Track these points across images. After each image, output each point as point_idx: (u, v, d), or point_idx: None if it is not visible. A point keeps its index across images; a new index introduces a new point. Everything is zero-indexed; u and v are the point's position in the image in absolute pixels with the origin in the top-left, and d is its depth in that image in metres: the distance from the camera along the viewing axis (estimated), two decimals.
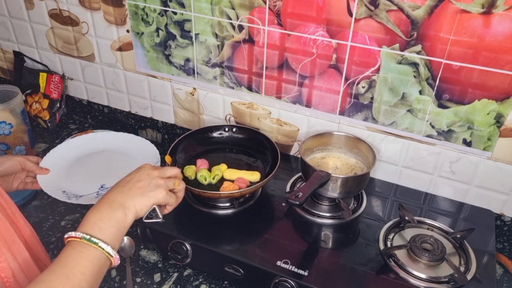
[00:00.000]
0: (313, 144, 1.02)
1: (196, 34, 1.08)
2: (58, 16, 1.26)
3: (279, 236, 0.88)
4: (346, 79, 0.97)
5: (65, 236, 0.63)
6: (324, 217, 0.94)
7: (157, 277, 0.91)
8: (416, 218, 0.93)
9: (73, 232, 0.63)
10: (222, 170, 0.98)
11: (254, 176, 0.96)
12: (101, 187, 0.98)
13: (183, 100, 1.22)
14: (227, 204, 0.95)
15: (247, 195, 0.97)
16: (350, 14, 0.89)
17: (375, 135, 1.02)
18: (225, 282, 0.89)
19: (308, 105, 1.05)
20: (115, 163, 1.06)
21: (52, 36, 1.31)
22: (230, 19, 1.01)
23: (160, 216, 0.74)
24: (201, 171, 0.97)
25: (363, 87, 0.96)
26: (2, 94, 1.17)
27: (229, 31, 1.03)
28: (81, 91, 1.39)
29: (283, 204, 0.97)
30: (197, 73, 1.15)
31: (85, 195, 0.95)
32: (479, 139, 0.91)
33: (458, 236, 0.86)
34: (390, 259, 0.83)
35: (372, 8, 0.86)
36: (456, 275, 0.78)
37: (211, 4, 1.01)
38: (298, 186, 1.03)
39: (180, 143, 1.04)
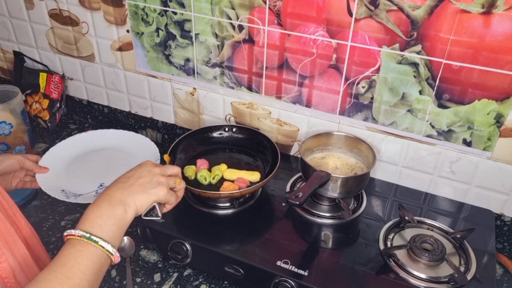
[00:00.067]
0: (313, 144, 1.02)
1: (196, 34, 1.08)
2: (58, 16, 1.26)
3: (279, 236, 0.88)
4: (346, 79, 0.97)
5: (65, 233, 0.63)
6: (324, 217, 0.94)
7: (157, 277, 0.91)
8: (416, 218, 0.93)
9: (72, 230, 0.62)
10: (222, 170, 0.98)
11: (254, 176, 0.96)
12: (100, 185, 0.98)
13: (183, 100, 1.22)
14: (227, 204, 0.95)
15: (247, 195, 0.97)
16: (350, 14, 0.89)
17: (375, 135, 1.02)
18: (225, 282, 0.89)
19: (308, 105, 1.05)
20: (114, 161, 1.06)
21: (52, 36, 1.31)
22: (230, 19, 1.01)
23: (160, 215, 0.73)
24: (201, 171, 0.97)
25: (363, 87, 0.96)
26: (2, 94, 1.17)
27: (229, 31, 1.03)
28: (81, 91, 1.39)
29: (283, 204, 0.97)
30: (197, 73, 1.15)
31: (84, 194, 0.95)
32: (479, 139, 0.91)
33: (458, 236, 0.86)
34: (390, 259, 0.83)
35: (372, 8, 0.86)
36: (456, 275, 0.78)
37: (211, 4, 1.01)
38: (298, 186, 1.03)
39: (180, 143, 1.04)
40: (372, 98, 0.97)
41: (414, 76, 0.90)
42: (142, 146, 1.08)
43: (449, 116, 0.91)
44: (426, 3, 0.82)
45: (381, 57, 0.91)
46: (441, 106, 0.91)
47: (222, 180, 0.97)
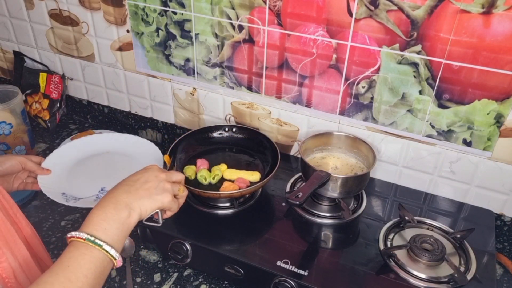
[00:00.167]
0: (313, 144, 1.02)
1: (196, 34, 1.08)
2: (58, 16, 1.26)
3: (279, 236, 0.88)
4: (346, 79, 0.97)
5: (68, 235, 0.62)
6: (324, 217, 0.94)
7: (157, 277, 0.91)
8: (416, 218, 0.93)
9: (77, 232, 0.61)
10: (222, 170, 0.98)
11: (254, 176, 0.96)
12: (101, 189, 0.97)
13: (183, 100, 1.22)
14: (227, 204, 0.95)
15: (247, 195, 0.97)
16: (350, 14, 0.89)
17: (375, 135, 1.02)
18: (225, 282, 0.89)
19: (308, 105, 1.05)
20: (117, 166, 1.05)
21: (52, 36, 1.31)
22: (230, 19, 1.01)
23: (161, 221, 0.73)
24: (201, 171, 0.97)
25: (363, 87, 0.96)
26: (2, 94, 1.17)
27: (229, 31, 1.03)
28: (81, 91, 1.39)
29: (283, 204, 0.97)
30: (197, 73, 1.15)
31: (84, 198, 0.94)
32: (479, 139, 0.91)
33: (458, 236, 0.86)
34: (390, 259, 0.83)
35: (372, 8, 0.86)
36: (456, 275, 0.78)
37: (211, 4, 1.01)
38: (298, 186, 1.03)
39: (180, 143, 1.04)
40: (372, 98, 0.97)
41: (414, 76, 0.90)
42: (146, 152, 1.06)
43: (449, 116, 0.91)
44: (426, 3, 0.82)
45: (381, 57, 0.91)
46: (441, 106, 0.91)
47: (222, 180, 0.97)
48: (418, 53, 0.87)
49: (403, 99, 0.94)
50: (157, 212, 0.71)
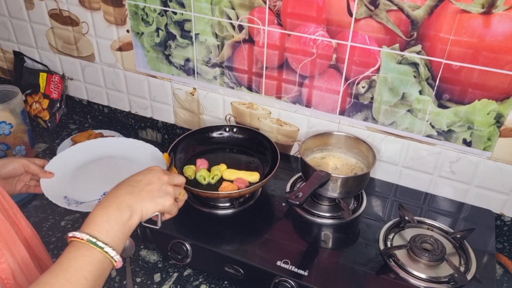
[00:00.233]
0: (313, 144, 1.02)
1: (196, 34, 1.08)
2: (58, 16, 1.26)
3: (279, 236, 0.88)
4: (346, 79, 0.97)
5: (69, 234, 0.61)
6: (324, 217, 0.94)
7: (157, 277, 0.91)
8: (416, 218, 0.93)
9: (78, 233, 0.61)
10: (222, 170, 0.98)
11: (253, 176, 0.96)
12: (104, 194, 0.96)
13: (183, 100, 1.22)
14: (227, 204, 0.95)
15: (247, 195, 0.97)
16: (350, 14, 0.89)
17: (375, 135, 1.02)
18: (225, 282, 0.89)
19: (308, 105, 1.05)
20: (120, 170, 1.03)
21: (52, 36, 1.31)
22: (230, 19, 1.01)
23: (159, 224, 0.73)
24: (200, 171, 0.97)
25: (363, 87, 0.96)
26: (2, 94, 1.17)
27: (229, 31, 1.03)
28: (81, 91, 1.39)
29: (283, 204, 0.97)
30: (197, 73, 1.15)
31: (86, 202, 0.93)
32: (479, 139, 0.91)
33: (458, 236, 0.86)
34: (390, 259, 0.83)
35: (372, 8, 0.86)
36: (456, 275, 0.78)
37: (211, 4, 1.01)
38: (298, 186, 1.03)
39: (180, 142, 1.04)
40: (372, 98, 0.97)
41: (414, 76, 0.90)
42: (151, 157, 1.05)
43: (449, 116, 0.91)
44: (426, 3, 0.82)
45: (381, 57, 0.91)
46: (441, 106, 0.91)
47: (222, 180, 0.97)
48: (418, 53, 0.87)
49: (403, 99, 0.94)
50: (157, 215, 0.71)
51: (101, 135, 1.27)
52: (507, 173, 0.93)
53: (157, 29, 1.12)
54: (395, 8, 0.84)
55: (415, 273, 0.80)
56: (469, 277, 0.79)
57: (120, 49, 1.22)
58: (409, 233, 0.89)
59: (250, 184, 0.94)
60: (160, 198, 0.69)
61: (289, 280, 0.79)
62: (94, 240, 0.60)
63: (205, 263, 0.89)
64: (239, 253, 0.84)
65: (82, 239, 0.60)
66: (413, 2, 0.83)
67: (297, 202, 0.79)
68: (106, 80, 1.31)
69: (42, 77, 1.34)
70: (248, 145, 1.08)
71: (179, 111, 1.25)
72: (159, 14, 1.09)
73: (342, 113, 1.02)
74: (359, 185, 0.93)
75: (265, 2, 0.96)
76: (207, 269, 0.91)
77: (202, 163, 1.00)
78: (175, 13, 1.07)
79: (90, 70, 1.32)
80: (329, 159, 1.02)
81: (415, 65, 0.89)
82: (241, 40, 1.03)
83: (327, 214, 0.94)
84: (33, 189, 0.94)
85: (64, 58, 1.34)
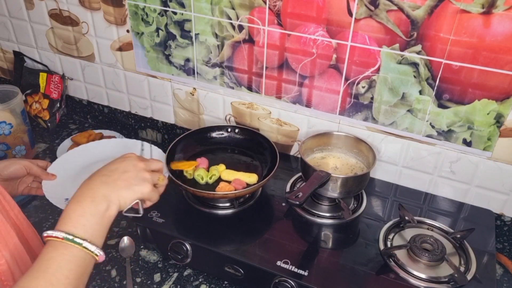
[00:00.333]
0: (313, 144, 1.02)
1: (196, 34, 1.08)
2: (58, 16, 1.26)
3: (279, 236, 0.88)
4: (346, 79, 0.97)
5: (44, 234, 0.59)
6: (324, 217, 0.94)
7: (157, 277, 0.91)
8: (416, 218, 0.93)
9: (53, 232, 0.59)
10: (220, 170, 0.98)
11: (252, 178, 0.96)
12: None
13: (183, 100, 1.22)
14: (227, 204, 0.95)
15: (247, 195, 0.97)
16: (350, 14, 0.89)
17: (375, 135, 1.02)
18: (225, 282, 0.89)
19: (308, 105, 1.05)
20: None
21: (52, 36, 1.31)
22: (230, 19, 1.01)
23: (141, 212, 0.70)
24: (198, 170, 0.97)
25: (363, 87, 0.96)
26: (2, 94, 1.17)
27: (229, 31, 1.03)
28: (81, 91, 1.39)
29: (283, 204, 0.97)
30: (197, 73, 1.15)
31: None
32: (479, 139, 0.91)
33: (458, 236, 0.86)
34: (390, 259, 0.83)
35: (372, 8, 0.86)
36: (456, 275, 0.78)
37: (211, 4, 1.01)
38: (298, 186, 1.03)
39: (179, 142, 1.04)
40: (372, 98, 0.97)
41: (414, 76, 0.90)
42: (154, 158, 1.04)
43: (449, 116, 0.91)
44: (426, 3, 0.82)
45: (381, 57, 0.91)
46: (441, 106, 0.91)
47: (220, 180, 0.97)
48: (418, 53, 0.87)
49: (403, 99, 0.94)
50: (137, 203, 0.69)
51: (101, 135, 1.27)
52: (507, 173, 0.93)
53: (157, 29, 1.12)
54: (395, 8, 0.84)
55: (415, 273, 0.80)
56: (469, 277, 0.79)
57: (120, 49, 1.22)
58: (409, 233, 0.89)
59: (248, 185, 0.94)
60: (137, 185, 0.68)
61: (289, 280, 0.79)
62: (70, 237, 0.58)
63: (205, 263, 0.89)
64: (239, 253, 0.84)
65: (58, 237, 0.58)
66: (413, 2, 0.83)
67: (297, 202, 0.79)
68: (106, 80, 1.31)
69: (42, 77, 1.34)
70: (248, 145, 1.08)
71: (179, 111, 1.25)
72: (159, 14, 1.09)
73: (342, 113, 1.02)
74: (359, 185, 0.93)
75: (265, 2, 0.96)
76: (207, 269, 0.91)
77: (202, 162, 1.00)
78: (175, 13, 1.07)
79: (90, 70, 1.32)
80: (329, 159, 1.02)
81: (415, 65, 0.89)
82: (241, 40, 1.03)
83: (327, 214, 0.94)
84: (35, 191, 0.94)
85: (64, 58, 1.34)
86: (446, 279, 0.79)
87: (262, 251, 0.85)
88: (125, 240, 0.96)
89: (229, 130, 1.10)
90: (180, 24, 1.08)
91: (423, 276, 0.79)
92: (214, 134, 1.10)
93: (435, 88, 0.89)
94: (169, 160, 0.97)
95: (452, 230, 0.90)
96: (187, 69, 1.15)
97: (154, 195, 0.72)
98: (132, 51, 1.20)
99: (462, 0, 0.79)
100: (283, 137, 1.14)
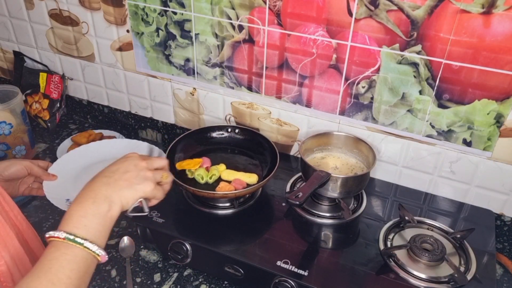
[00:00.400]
0: (313, 144, 1.02)
1: (196, 34, 1.08)
2: (58, 16, 1.26)
3: (279, 236, 0.88)
4: (346, 79, 0.97)
5: (46, 235, 0.59)
6: (324, 217, 0.94)
7: (157, 277, 0.91)
8: (416, 218, 0.93)
9: (55, 232, 0.59)
10: (220, 170, 0.98)
11: (252, 178, 0.96)
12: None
13: (183, 100, 1.22)
14: (227, 204, 0.95)
15: (247, 195, 0.97)
16: (350, 14, 0.89)
17: (375, 135, 1.02)
18: (225, 282, 0.89)
19: (308, 105, 1.05)
20: None
21: (52, 36, 1.31)
22: (230, 19, 1.01)
23: (146, 210, 0.70)
24: (198, 170, 0.97)
25: (363, 87, 0.96)
26: (2, 94, 1.17)
27: (229, 31, 1.03)
28: (81, 91, 1.39)
29: (283, 204, 0.97)
30: (197, 73, 1.15)
31: None
32: (479, 139, 0.91)
33: (458, 236, 0.86)
34: (390, 259, 0.83)
35: (372, 8, 0.86)
36: (456, 275, 0.78)
37: (211, 4, 1.01)
38: (298, 186, 1.03)
39: (179, 142, 1.03)
40: (372, 98, 0.97)
41: (414, 76, 0.90)
42: None
43: (449, 116, 0.91)
44: (426, 3, 0.82)
45: (381, 57, 0.91)
46: (441, 106, 0.91)
47: (220, 180, 0.97)
48: (418, 53, 0.87)
49: (403, 99, 0.94)
50: (141, 201, 0.69)
51: (101, 135, 1.27)
52: (507, 173, 0.93)
53: (157, 29, 1.12)
54: (395, 8, 0.84)
55: (415, 273, 0.80)
56: (469, 277, 0.79)
57: (120, 49, 1.22)
58: (409, 233, 0.89)
59: (248, 185, 0.94)
60: (139, 184, 0.68)
61: (289, 280, 0.79)
62: (72, 237, 0.58)
63: (205, 263, 0.89)
64: (239, 253, 0.84)
65: (59, 237, 0.58)
66: (413, 2, 0.83)
67: (297, 202, 0.79)
68: (106, 80, 1.31)
69: (42, 77, 1.34)
70: (248, 145, 1.08)
71: (179, 111, 1.25)
72: (159, 14, 1.09)
73: (342, 113, 1.02)
74: (359, 185, 0.93)
75: (265, 2, 0.96)
76: (207, 269, 0.91)
77: (205, 161, 1.00)
78: (175, 13, 1.07)
79: (90, 70, 1.32)
80: (329, 159, 1.02)
81: (415, 65, 0.89)
82: (241, 40, 1.03)
83: (327, 214, 0.94)
84: (35, 192, 0.94)
85: (64, 58, 1.34)
86: (446, 279, 0.79)
87: (262, 251, 0.85)
88: (125, 240, 0.96)
89: (229, 130, 1.10)
90: (180, 24, 1.08)
91: (423, 276, 0.79)
92: (214, 134, 1.10)
93: (435, 88, 0.89)
94: (169, 160, 0.97)
95: (452, 230, 0.90)
96: (187, 69, 1.15)
97: (158, 192, 0.72)
98: (132, 51, 1.20)
99: (462, 0, 0.79)
100: (283, 137, 1.14)
